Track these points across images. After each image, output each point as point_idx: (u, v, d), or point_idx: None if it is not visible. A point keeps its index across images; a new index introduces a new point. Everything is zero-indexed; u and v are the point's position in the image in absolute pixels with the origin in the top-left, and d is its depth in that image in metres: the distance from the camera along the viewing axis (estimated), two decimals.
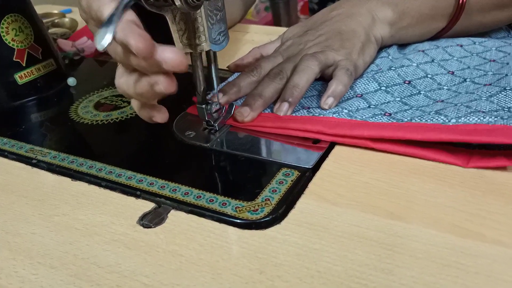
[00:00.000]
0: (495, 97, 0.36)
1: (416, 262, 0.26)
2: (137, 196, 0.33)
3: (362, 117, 0.36)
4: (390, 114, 0.36)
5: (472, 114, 0.33)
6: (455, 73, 0.42)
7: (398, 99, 0.39)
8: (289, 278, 0.25)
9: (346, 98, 0.40)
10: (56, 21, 0.71)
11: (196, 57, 0.36)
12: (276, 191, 0.32)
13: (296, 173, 0.34)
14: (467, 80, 0.41)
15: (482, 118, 0.33)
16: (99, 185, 0.35)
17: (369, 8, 0.45)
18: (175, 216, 0.31)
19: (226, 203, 0.31)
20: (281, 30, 0.68)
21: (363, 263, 0.26)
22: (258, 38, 0.56)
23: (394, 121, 0.35)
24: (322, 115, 0.38)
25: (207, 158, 0.38)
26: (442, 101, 0.38)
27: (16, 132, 0.44)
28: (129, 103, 0.47)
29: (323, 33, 0.45)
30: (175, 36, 0.34)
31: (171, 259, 0.28)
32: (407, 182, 0.32)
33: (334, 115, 0.37)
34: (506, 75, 0.39)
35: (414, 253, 0.26)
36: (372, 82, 0.41)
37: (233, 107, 0.40)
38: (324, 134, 0.36)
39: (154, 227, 0.30)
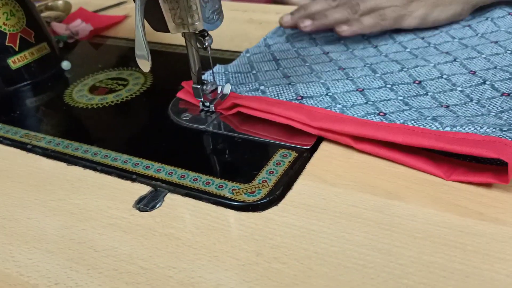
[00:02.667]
0: (506, 113, 0.32)
1: (414, 242, 0.25)
2: (133, 180, 0.33)
3: (353, 114, 0.34)
4: (384, 114, 0.34)
5: (469, 124, 0.30)
6: (476, 73, 0.38)
7: (401, 98, 0.36)
8: (286, 259, 0.25)
9: (345, 90, 0.38)
10: (49, 4, 0.69)
11: (190, 36, 0.36)
12: (273, 172, 0.32)
13: (293, 154, 0.33)
14: (487, 82, 0.36)
15: (479, 128, 0.29)
16: (95, 169, 0.35)
17: None
18: (172, 199, 0.31)
19: (222, 186, 0.31)
20: (280, 8, 0.66)
21: (360, 244, 0.26)
22: (256, 17, 0.54)
23: (386, 121, 0.33)
24: (312, 106, 0.36)
25: (204, 140, 0.37)
26: (448, 106, 0.35)
27: (10, 117, 0.43)
28: (124, 86, 0.47)
29: None
30: (167, 15, 0.33)
31: (168, 242, 0.27)
32: None
33: (325, 108, 0.35)
34: None
35: (412, 233, 0.26)
36: (378, 80, 0.39)
37: (230, 88, 0.40)
38: (307, 125, 0.34)
39: (151, 210, 0.30)
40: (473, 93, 0.36)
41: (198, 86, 0.37)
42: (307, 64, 0.44)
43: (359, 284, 0.23)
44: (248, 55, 0.49)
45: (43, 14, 0.66)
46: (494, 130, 0.29)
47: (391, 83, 0.39)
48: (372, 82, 0.39)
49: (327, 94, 0.37)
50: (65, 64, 0.52)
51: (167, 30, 0.34)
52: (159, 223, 0.29)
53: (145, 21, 0.33)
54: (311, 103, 0.36)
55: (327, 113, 0.34)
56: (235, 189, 0.31)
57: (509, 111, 0.32)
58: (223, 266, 0.25)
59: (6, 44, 0.48)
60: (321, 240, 0.26)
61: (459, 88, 0.37)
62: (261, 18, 0.59)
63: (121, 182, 0.33)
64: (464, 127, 0.30)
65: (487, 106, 0.34)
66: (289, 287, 0.24)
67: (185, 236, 0.28)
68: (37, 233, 0.29)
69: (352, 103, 0.36)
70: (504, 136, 0.28)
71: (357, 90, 0.38)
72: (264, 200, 0.29)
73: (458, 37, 0.45)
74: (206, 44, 0.36)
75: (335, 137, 0.33)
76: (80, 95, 0.46)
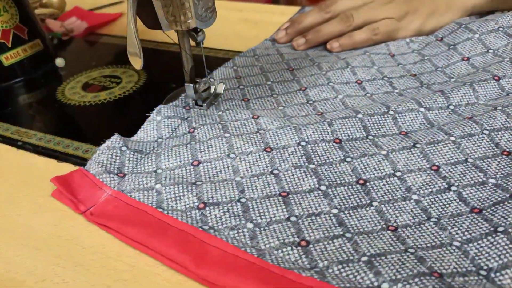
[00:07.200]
0: (475, 243, 0.23)
1: None
2: None
3: (264, 243, 0.25)
4: (307, 244, 0.24)
5: (417, 278, 0.21)
6: (440, 169, 0.29)
7: (335, 211, 0.27)
8: None
9: (264, 195, 0.28)
10: (44, 1, 0.69)
11: (183, 34, 0.35)
12: None
13: None
14: (452, 188, 0.27)
15: None
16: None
17: None
18: None
19: None
20: (276, 8, 0.66)
21: None
22: (252, 16, 0.54)
23: (305, 262, 0.24)
24: (213, 233, 0.25)
25: None
26: (396, 228, 0.25)
27: (1, 114, 0.43)
28: (117, 84, 0.46)
29: None
30: (160, 12, 0.33)
31: None
32: None
33: (230, 232, 0.26)
34: None
35: None
36: (311, 176, 0.29)
37: (223, 88, 0.40)
38: (189, 271, 0.24)
39: None
40: (432, 205, 0.27)
41: (191, 85, 0.37)
42: (226, 135, 0.33)
43: None
44: (159, 118, 0.36)
45: (37, 11, 0.66)
46: None
47: (327, 182, 0.29)
48: (303, 180, 0.29)
49: (239, 200, 0.28)
50: (59, 61, 0.52)
51: (159, 28, 0.34)
52: None
53: (138, 18, 0.33)
54: (216, 214, 0.27)
55: (223, 252, 0.24)
56: None
57: (479, 241, 0.23)
58: None
59: None
60: None
61: (414, 197, 0.27)
62: (256, 18, 0.59)
63: None
64: (408, 284, 0.21)
65: (449, 228, 0.25)
66: None
67: None
68: (26, 229, 0.29)
69: (269, 219, 0.26)
70: None
71: (280, 194, 0.28)
72: None
73: (425, 105, 0.34)
74: (199, 39, 0.36)
75: None
76: (72, 92, 0.46)
